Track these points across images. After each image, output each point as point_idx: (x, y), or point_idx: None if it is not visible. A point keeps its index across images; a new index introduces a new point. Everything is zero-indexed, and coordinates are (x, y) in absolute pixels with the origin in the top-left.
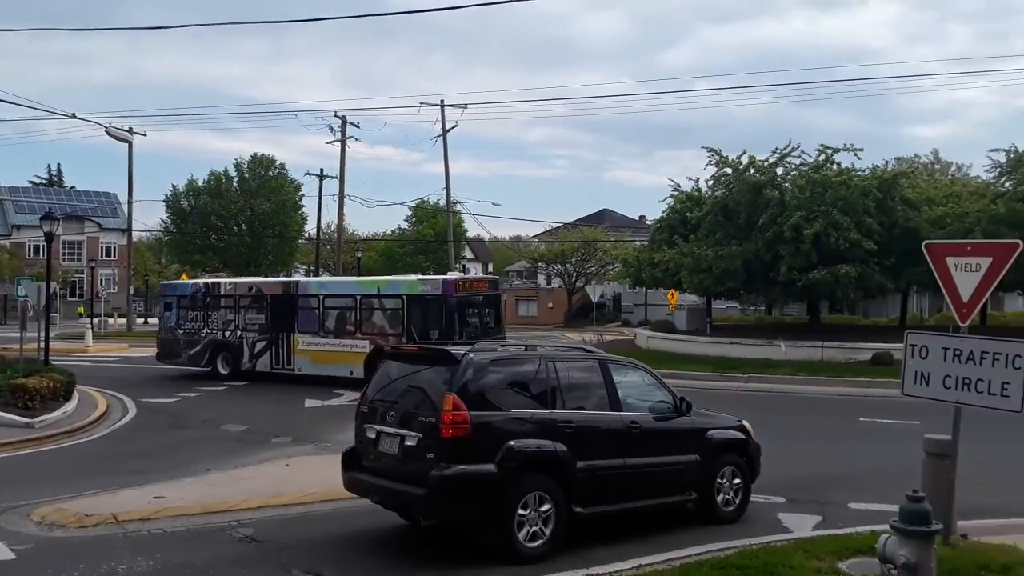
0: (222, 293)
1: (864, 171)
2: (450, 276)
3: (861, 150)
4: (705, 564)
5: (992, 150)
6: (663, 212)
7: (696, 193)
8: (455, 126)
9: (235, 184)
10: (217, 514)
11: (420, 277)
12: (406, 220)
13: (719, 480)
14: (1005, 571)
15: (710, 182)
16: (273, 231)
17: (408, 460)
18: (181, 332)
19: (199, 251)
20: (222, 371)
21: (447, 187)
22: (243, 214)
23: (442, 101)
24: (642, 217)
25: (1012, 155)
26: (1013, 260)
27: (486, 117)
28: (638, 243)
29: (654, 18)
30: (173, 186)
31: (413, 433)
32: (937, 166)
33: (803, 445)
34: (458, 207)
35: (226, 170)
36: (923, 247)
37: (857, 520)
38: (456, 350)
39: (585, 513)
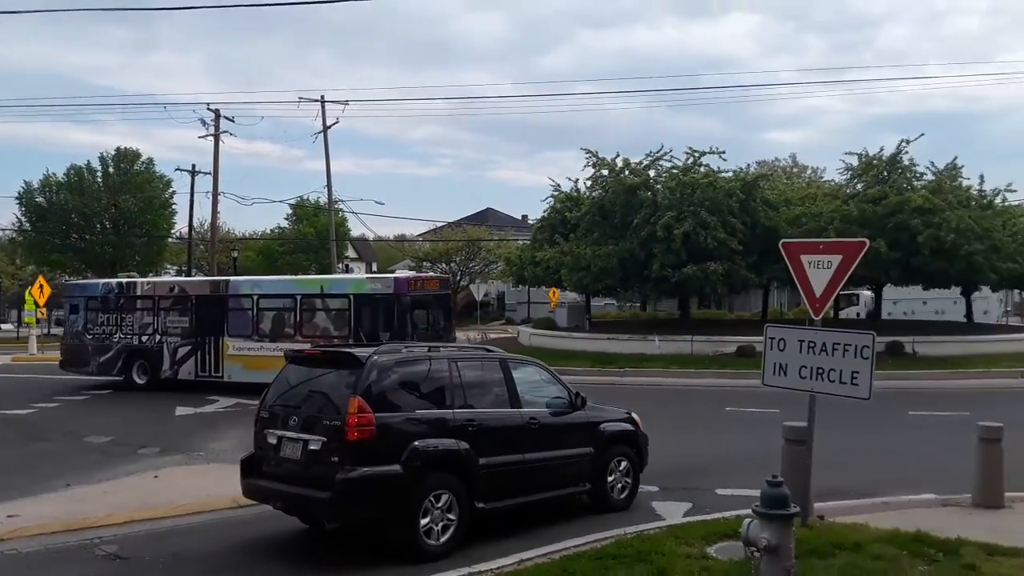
0: (138, 294)
1: (728, 173)
2: (401, 274)
3: (724, 153)
4: (583, 555)
5: (846, 153)
6: (544, 212)
7: (575, 194)
8: (336, 123)
9: (99, 179)
10: (78, 531)
11: (368, 276)
12: (286, 218)
13: (611, 470)
14: (857, 548)
15: (588, 183)
16: (141, 230)
17: (312, 464)
18: (90, 337)
19: (58, 251)
20: (138, 380)
21: (328, 185)
22: (107, 212)
23: (322, 97)
24: (524, 216)
25: (863, 159)
26: (861, 257)
27: (368, 115)
28: (521, 242)
29: (534, 22)
30: (26, 182)
31: (317, 437)
32: (795, 169)
33: (674, 435)
34: (340, 205)
35: (88, 163)
36: (780, 245)
37: (725, 506)
38: (360, 352)
39: (487, 508)
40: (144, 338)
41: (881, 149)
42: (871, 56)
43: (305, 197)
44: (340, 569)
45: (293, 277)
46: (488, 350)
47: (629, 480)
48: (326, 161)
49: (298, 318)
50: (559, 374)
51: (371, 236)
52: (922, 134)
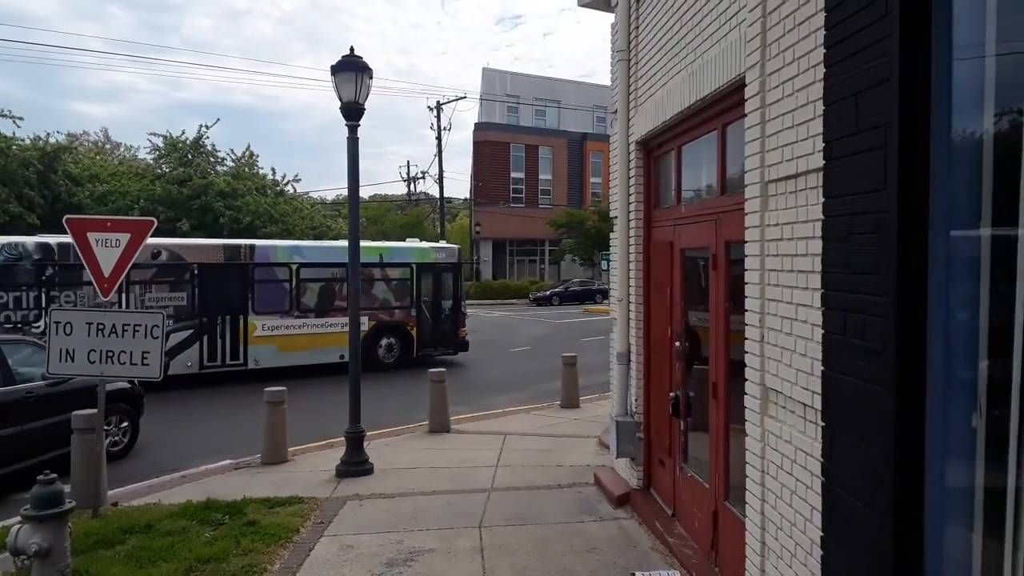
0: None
1: (26, 141)
2: (454, 245)
3: (22, 119)
4: None
5: (151, 134)
6: None
7: None
8: None
9: None
10: None
11: (432, 245)
12: None
13: (109, 426)
14: (148, 529)
15: None
16: None
17: None
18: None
19: None
20: None
21: None
22: None
23: None
24: None
25: (168, 141)
26: (149, 235)
27: None
28: None
29: None
30: None
31: None
32: (108, 145)
33: None
34: None
35: None
36: (64, 222)
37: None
38: None
39: None
40: None
41: (183, 132)
42: (178, 41)
43: None
44: None
45: (337, 244)
46: None
47: (128, 431)
48: None
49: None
50: None
51: None
52: (218, 119)
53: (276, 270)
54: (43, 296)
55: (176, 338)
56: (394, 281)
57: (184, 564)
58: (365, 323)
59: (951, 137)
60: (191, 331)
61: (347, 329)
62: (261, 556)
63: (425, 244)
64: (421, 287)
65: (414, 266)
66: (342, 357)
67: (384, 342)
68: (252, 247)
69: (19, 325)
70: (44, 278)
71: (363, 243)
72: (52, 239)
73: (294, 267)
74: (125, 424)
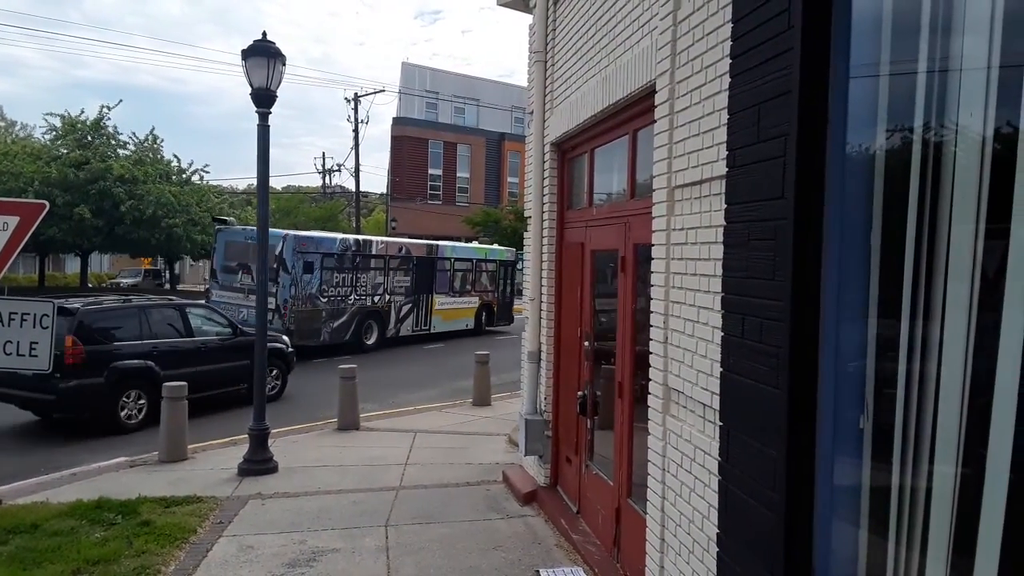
0: (372, 252)
1: None
2: (510, 248)
3: None
4: None
5: (47, 114)
6: None
7: None
8: None
9: None
10: None
11: (503, 248)
12: None
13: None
14: (34, 528)
15: None
16: None
17: (42, 379)
18: (325, 299)
19: None
20: (367, 341)
21: None
22: None
23: None
24: None
25: (66, 121)
26: (40, 220)
27: None
28: None
29: None
30: None
31: None
32: (2, 123)
33: None
34: None
35: None
36: None
37: None
38: (71, 304)
39: None
40: (376, 299)
41: (82, 111)
42: (79, 16)
43: None
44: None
45: (469, 245)
46: (170, 299)
47: (279, 379)
48: None
49: (473, 277)
50: None
51: None
52: (120, 100)
53: (444, 262)
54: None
55: (405, 309)
56: (489, 273)
57: (72, 565)
58: (476, 301)
59: (846, 149)
60: (411, 304)
61: (472, 306)
62: (155, 557)
63: (501, 247)
64: (498, 277)
65: (497, 263)
66: (467, 326)
67: (483, 315)
68: (437, 246)
69: None
70: (357, 263)
71: (472, 245)
72: (352, 236)
73: (451, 260)
74: (276, 373)
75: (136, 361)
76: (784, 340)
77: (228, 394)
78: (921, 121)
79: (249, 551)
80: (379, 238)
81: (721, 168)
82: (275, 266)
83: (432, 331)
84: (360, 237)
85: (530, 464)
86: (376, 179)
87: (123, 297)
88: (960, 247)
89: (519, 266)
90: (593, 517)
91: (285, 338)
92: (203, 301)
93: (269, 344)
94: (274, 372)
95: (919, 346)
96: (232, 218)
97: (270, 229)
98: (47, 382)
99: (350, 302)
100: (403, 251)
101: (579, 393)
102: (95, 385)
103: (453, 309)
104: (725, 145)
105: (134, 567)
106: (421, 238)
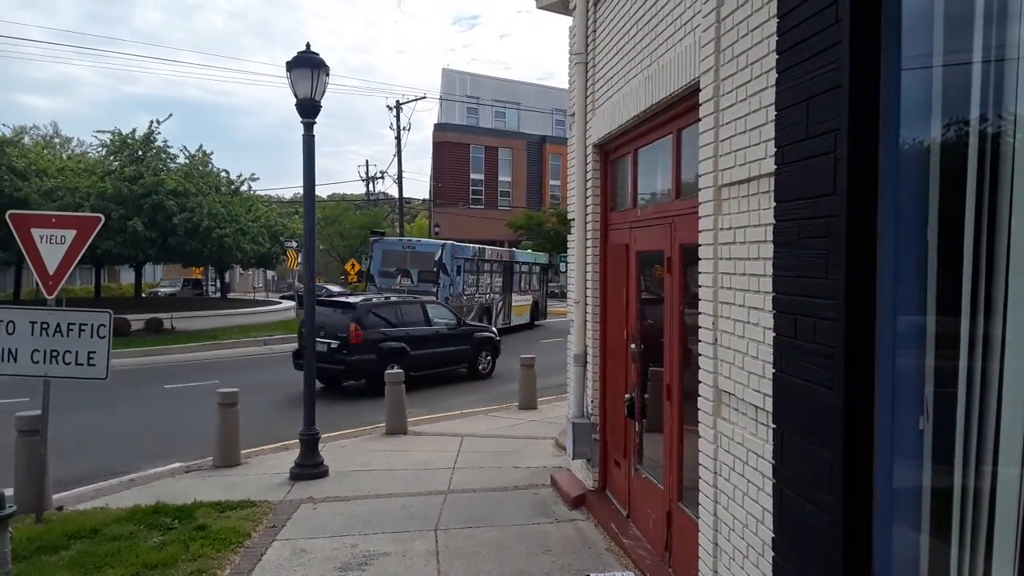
0: (488, 258)
1: None
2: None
3: None
4: None
5: (97, 131)
6: None
7: None
8: None
9: None
10: None
11: (536, 252)
12: None
13: (480, 357)
14: (94, 534)
15: None
16: None
17: (334, 353)
18: (465, 296)
19: None
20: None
21: None
22: None
23: None
24: None
25: (116, 136)
26: (96, 233)
27: None
28: None
29: None
30: None
31: (336, 341)
32: (57, 139)
33: None
34: None
35: None
36: (7, 217)
37: None
38: (352, 300)
39: (416, 375)
40: (487, 296)
41: (134, 130)
42: (128, 33)
43: None
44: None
45: (527, 251)
46: (415, 297)
47: (491, 363)
48: None
49: (528, 278)
50: None
51: None
52: (171, 115)
53: (516, 265)
54: (477, 279)
55: (499, 305)
56: (536, 275)
57: (131, 570)
58: (530, 299)
59: (899, 144)
60: (502, 301)
61: (528, 303)
62: (211, 561)
63: (535, 252)
64: (541, 279)
65: (540, 265)
66: (525, 320)
67: (535, 311)
68: (512, 251)
69: None
70: (480, 267)
71: (525, 251)
72: (475, 244)
73: (519, 264)
74: (488, 357)
75: (395, 343)
76: (839, 340)
77: (452, 373)
78: (977, 113)
79: (302, 555)
80: (490, 247)
81: (769, 165)
82: (435, 269)
83: (510, 324)
84: (480, 246)
85: (578, 468)
86: (419, 185)
87: (385, 295)
88: (1020, 240)
89: (560, 269)
90: (643, 521)
91: (494, 328)
92: (434, 298)
93: (483, 334)
94: (487, 356)
95: (980, 344)
96: (384, 231)
97: (427, 240)
98: (338, 356)
99: (476, 299)
100: (500, 257)
101: (626, 396)
102: (369, 360)
103: (521, 305)
104: (773, 142)
105: (191, 571)
106: (465, 242)
